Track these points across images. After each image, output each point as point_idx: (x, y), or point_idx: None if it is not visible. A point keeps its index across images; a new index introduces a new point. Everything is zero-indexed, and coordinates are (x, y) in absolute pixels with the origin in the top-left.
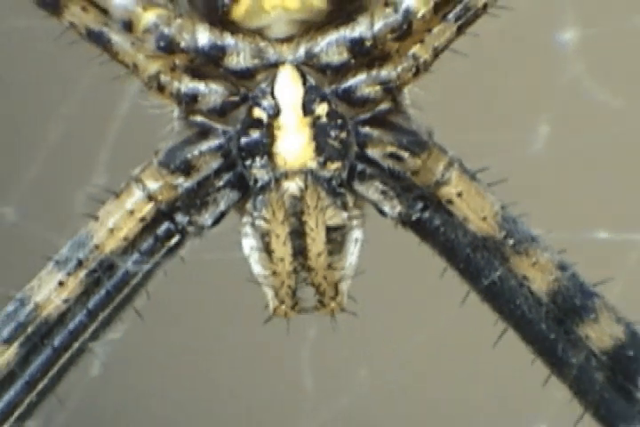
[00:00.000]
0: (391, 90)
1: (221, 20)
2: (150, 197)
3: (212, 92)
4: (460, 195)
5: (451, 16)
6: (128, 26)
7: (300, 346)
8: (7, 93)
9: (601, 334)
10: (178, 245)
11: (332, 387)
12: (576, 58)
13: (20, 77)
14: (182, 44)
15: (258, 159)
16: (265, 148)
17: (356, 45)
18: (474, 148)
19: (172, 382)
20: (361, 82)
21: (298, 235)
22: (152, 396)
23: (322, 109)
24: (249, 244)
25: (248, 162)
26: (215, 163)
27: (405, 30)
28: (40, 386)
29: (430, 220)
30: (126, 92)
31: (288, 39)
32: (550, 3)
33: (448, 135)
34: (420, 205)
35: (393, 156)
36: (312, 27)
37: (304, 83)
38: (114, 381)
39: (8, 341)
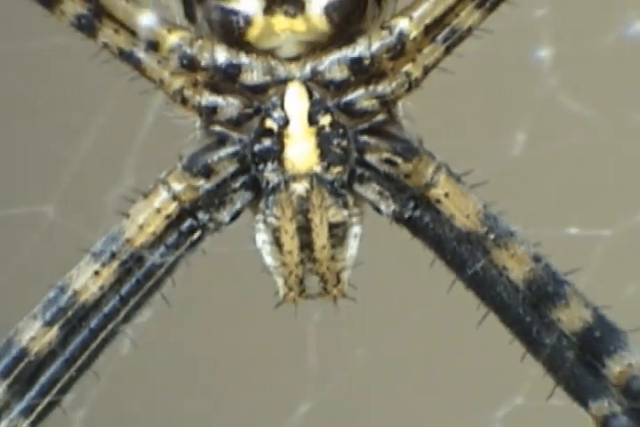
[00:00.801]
0: (386, 103)
1: (237, 41)
2: (175, 197)
3: (229, 105)
4: (446, 195)
5: (439, 38)
6: (154, 46)
7: (306, 328)
8: (51, 105)
9: (571, 317)
10: (199, 239)
11: (334, 362)
12: (551, 73)
13: (61, 90)
14: (203, 63)
15: (269, 164)
16: (275, 154)
17: (355, 64)
18: (459, 154)
19: (185, 360)
20: (360, 96)
21: (304, 230)
22: (167, 369)
23: (325, 120)
24: (261, 238)
25: (261, 166)
26: (232, 167)
27: (399, 51)
28: (77, 363)
29: (421, 217)
30: (153, 104)
31: (296, 58)
32: (527, 24)
33: (436, 142)
34: (411, 204)
35: (388, 161)
36: (317, 47)
37: (310, 97)
38: (142, 359)
39: (50, 323)
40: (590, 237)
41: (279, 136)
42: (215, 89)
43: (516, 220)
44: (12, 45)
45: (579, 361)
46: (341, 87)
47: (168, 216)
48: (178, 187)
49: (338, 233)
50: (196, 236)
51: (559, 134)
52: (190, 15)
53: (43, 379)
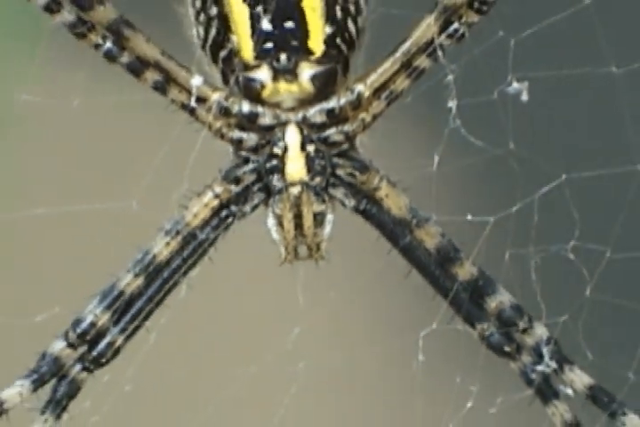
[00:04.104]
0: (349, 137)
1: (255, 98)
2: (216, 196)
3: (250, 138)
4: (387, 195)
5: (383, 96)
6: (202, 100)
7: (295, 276)
8: (141, 132)
9: (464, 272)
10: (231, 223)
11: (317, 299)
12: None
13: (149, 129)
14: (233, 112)
15: (275, 176)
16: (279, 169)
17: (330, 113)
18: (393, 171)
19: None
20: (332, 133)
21: (297, 217)
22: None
23: (311, 148)
24: (271, 222)
25: (270, 177)
26: (252, 178)
27: (357, 104)
28: (154, 301)
29: (370, 209)
30: (201, 136)
31: (292, 109)
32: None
33: (381, 161)
34: (364, 201)
35: (350, 174)
36: (306, 102)
37: (301, 133)
38: (193, 301)
39: (138, 274)
40: (480, 222)
41: (281, 158)
42: (241, 128)
43: (429, 210)
44: (114, 97)
45: (469, 299)
46: (321, 127)
47: (212, 208)
48: (218, 190)
49: (318, 219)
50: (229, 221)
51: None
52: (225, 80)
53: (132, 310)
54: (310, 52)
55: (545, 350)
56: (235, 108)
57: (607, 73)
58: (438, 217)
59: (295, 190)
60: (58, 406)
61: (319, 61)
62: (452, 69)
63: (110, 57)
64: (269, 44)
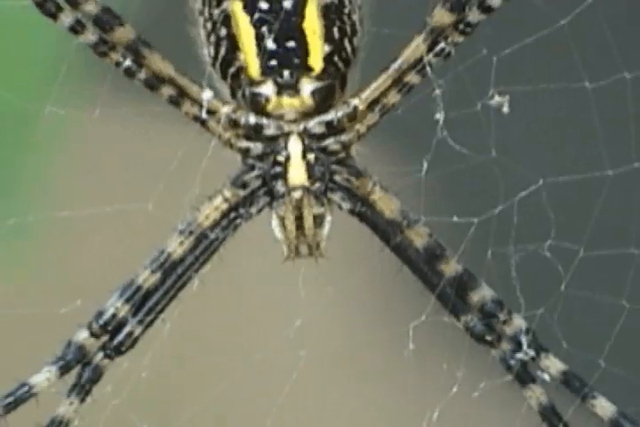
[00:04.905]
0: (345, 147)
1: (261, 111)
2: (226, 200)
3: (256, 147)
4: (379, 199)
5: (376, 109)
6: (213, 112)
7: (297, 273)
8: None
9: (450, 269)
10: (239, 224)
11: (317, 293)
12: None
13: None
14: (241, 123)
15: (279, 181)
16: (282, 175)
17: (328, 124)
18: (385, 177)
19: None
20: (331, 142)
21: (299, 219)
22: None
23: (311, 156)
24: (274, 223)
25: (274, 182)
26: (258, 183)
27: (353, 117)
28: (169, 295)
29: (365, 212)
30: (211, 146)
31: (294, 121)
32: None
33: (373, 169)
34: (359, 204)
35: (346, 180)
36: (306, 114)
37: (302, 143)
38: (204, 295)
39: (154, 271)
40: (466, 223)
41: (284, 165)
42: (248, 138)
43: (418, 212)
44: (139, 108)
45: (455, 294)
46: (320, 137)
47: (222, 210)
48: (227, 194)
49: (318, 220)
50: (237, 222)
51: None
52: (233, 95)
53: (149, 303)
54: (310, 69)
55: (523, 340)
56: (242, 120)
57: (581, 87)
58: (427, 218)
59: (297, 194)
60: (82, 390)
61: (319, 77)
62: (440, 84)
63: (129, 73)
64: (273, 62)
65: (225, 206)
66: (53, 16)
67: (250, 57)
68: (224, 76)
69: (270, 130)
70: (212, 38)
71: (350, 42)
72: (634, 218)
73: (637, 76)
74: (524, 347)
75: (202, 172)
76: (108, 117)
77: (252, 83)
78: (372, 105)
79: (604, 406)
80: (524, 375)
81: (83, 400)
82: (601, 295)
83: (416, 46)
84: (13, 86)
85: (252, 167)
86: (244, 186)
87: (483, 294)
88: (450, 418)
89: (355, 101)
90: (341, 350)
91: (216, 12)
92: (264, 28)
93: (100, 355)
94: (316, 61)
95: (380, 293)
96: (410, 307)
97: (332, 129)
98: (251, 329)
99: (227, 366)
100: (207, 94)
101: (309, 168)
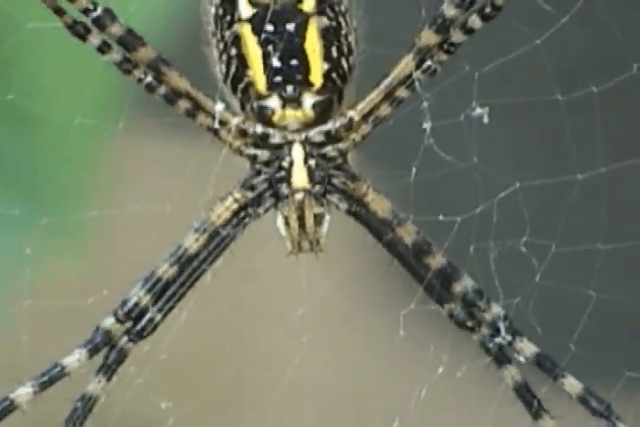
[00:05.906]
0: (342, 154)
1: (267, 121)
2: (236, 200)
3: (263, 155)
4: (373, 200)
5: (370, 120)
6: (224, 123)
7: (299, 266)
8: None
9: (435, 262)
10: (247, 222)
11: (318, 284)
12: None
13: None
14: (249, 133)
15: (283, 184)
16: (286, 179)
17: (327, 134)
18: (378, 180)
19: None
20: (329, 150)
21: (301, 218)
22: None
23: (312, 162)
24: (279, 222)
25: (279, 185)
26: (264, 186)
27: (349, 127)
28: (185, 286)
29: (359, 211)
30: (223, 153)
31: (297, 130)
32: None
33: (367, 173)
34: (355, 204)
35: (343, 183)
36: (308, 125)
37: (304, 150)
38: (217, 286)
39: (172, 264)
40: (451, 221)
41: (288, 170)
42: (256, 146)
43: (407, 212)
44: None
45: (440, 284)
46: (320, 145)
47: (232, 210)
48: (237, 195)
49: (318, 219)
50: (246, 220)
51: None
52: (242, 107)
53: (168, 293)
54: (311, 85)
55: (501, 325)
56: (250, 130)
57: (554, 100)
58: (415, 217)
59: (299, 196)
60: (109, 370)
61: (319, 92)
62: (427, 98)
63: (150, 89)
64: (278, 78)
65: (235, 207)
66: (82, 37)
67: (257, 74)
68: (234, 91)
69: (275, 139)
70: (224, 57)
71: (347, 60)
72: (600, 217)
73: (604, 90)
74: (502, 332)
75: (214, 176)
76: (131, 128)
77: (260, 97)
78: (366, 117)
79: (572, 385)
80: (502, 357)
81: (109, 379)
82: (571, 286)
83: (405, 64)
84: (52, 102)
85: (260, 172)
86: (253, 188)
87: (465, 284)
88: (435, 395)
89: (351, 113)
90: (339, 336)
91: (227, 33)
92: (270, 48)
93: (125, 339)
94: (316, 78)
95: (373, 284)
96: (400, 297)
97: (331, 138)
98: (258, 317)
99: (236, 350)
100: (219, 107)
101: (310, 173)
